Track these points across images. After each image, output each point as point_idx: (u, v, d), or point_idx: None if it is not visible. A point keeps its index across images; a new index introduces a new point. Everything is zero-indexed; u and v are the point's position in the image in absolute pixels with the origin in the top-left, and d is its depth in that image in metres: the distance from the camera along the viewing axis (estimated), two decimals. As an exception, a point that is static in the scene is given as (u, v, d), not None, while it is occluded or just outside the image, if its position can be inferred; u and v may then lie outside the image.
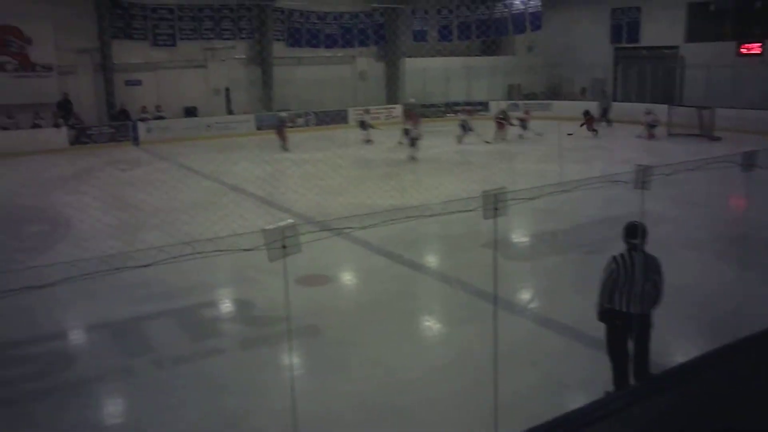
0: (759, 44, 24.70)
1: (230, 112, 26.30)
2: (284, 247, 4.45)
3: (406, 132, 19.84)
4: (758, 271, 8.54)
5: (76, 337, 7.57)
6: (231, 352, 6.83)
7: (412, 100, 23.62)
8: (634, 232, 5.32)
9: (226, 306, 8.42)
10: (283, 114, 23.16)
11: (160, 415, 5.59)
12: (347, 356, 6.60)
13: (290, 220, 4.64)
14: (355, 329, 7.24)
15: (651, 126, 21.64)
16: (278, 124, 22.02)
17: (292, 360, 5.78)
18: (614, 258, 5.36)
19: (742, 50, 25.23)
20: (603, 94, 27.11)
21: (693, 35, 27.23)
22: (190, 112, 25.62)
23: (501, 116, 22.74)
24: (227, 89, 26.37)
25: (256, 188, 14.75)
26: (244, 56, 26.81)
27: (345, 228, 9.18)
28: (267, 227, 4.28)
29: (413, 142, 18.84)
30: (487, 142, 21.35)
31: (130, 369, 6.45)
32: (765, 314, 6.58)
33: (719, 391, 4.21)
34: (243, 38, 26.35)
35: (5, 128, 21.52)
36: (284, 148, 21.13)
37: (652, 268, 5.35)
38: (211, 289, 8.69)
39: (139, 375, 6.33)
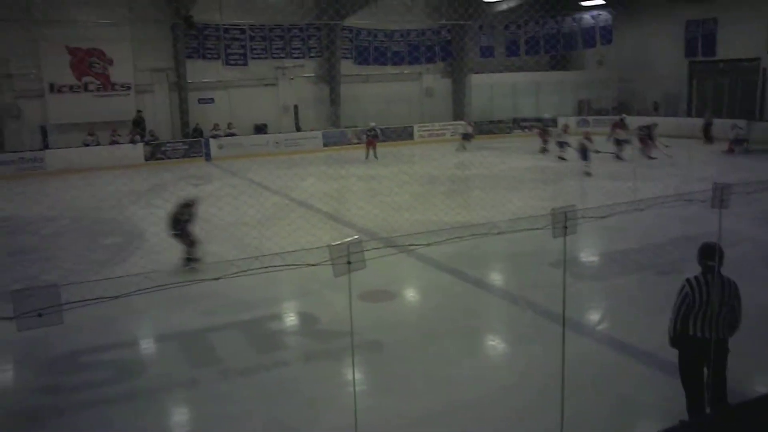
0: None
1: (298, 128, 26.87)
2: (349, 263, 4.48)
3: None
4: None
5: (147, 346, 7.82)
6: (295, 365, 6.90)
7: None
8: (711, 253, 5.07)
9: (291, 320, 8.53)
10: (373, 124, 23.91)
11: (223, 424, 5.69)
12: (410, 373, 6.56)
13: (356, 237, 4.67)
14: (418, 346, 7.19)
15: (738, 141, 20.80)
16: (370, 136, 23.14)
17: (355, 375, 5.78)
18: (688, 281, 5.13)
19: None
20: (706, 110, 25.98)
21: (775, 47, 26.02)
22: (260, 129, 26.32)
23: (644, 132, 21.08)
24: (296, 107, 26.97)
25: (323, 204, 14.95)
26: (312, 74, 27.39)
27: (410, 245, 9.16)
28: (333, 243, 4.31)
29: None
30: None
31: (196, 379, 6.60)
32: None
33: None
34: (312, 57, 26.94)
35: (87, 145, 22.65)
36: (374, 156, 22.51)
37: (729, 292, 5.09)
38: (277, 302, 8.84)
39: (204, 385, 6.47)
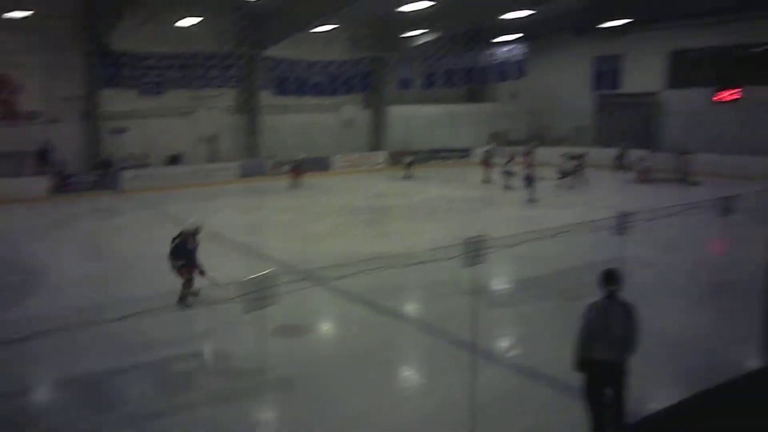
0: (737, 90, 25.23)
1: (215, 159, 26.38)
2: (261, 298, 4.39)
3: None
4: (733, 317, 8.50)
5: (47, 391, 7.37)
6: (204, 407, 6.64)
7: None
8: (611, 279, 5.30)
9: (201, 358, 8.24)
10: (302, 156, 24.44)
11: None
12: (325, 409, 6.45)
13: (267, 271, 4.60)
14: (333, 381, 7.09)
15: (644, 171, 21.98)
16: (294, 166, 23.72)
17: (266, 414, 5.63)
18: (591, 306, 5.32)
19: (720, 96, 25.77)
20: (622, 138, 27.22)
21: (673, 82, 27.87)
22: (175, 159, 25.67)
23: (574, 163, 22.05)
24: (213, 137, 26.51)
25: (237, 236, 14.68)
26: (231, 104, 27.05)
27: (325, 277, 9.10)
28: (244, 278, 4.22)
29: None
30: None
31: (101, 425, 6.26)
32: (738, 359, 6.53)
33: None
34: (231, 86, 26.60)
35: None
36: (298, 185, 22.99)
37: (628, 315, 5.31)
38: (186, 341, 8.49)
39: (109, 431, 6.14)
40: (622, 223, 5.81)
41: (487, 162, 23.70)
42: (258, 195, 21.31)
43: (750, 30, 24.14)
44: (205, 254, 9.51)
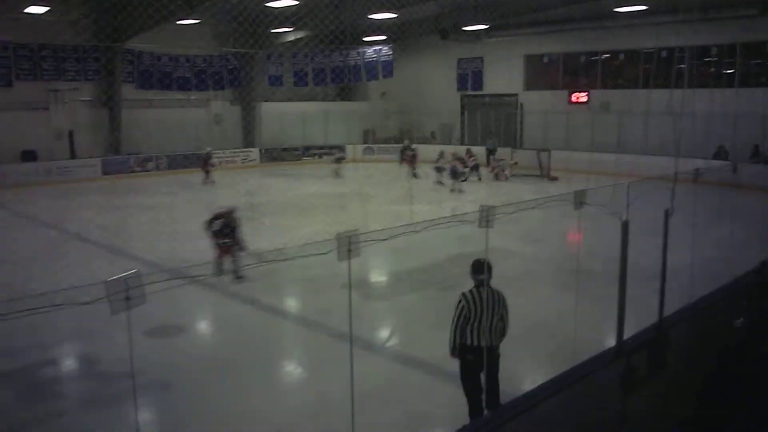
0: (585, 93, 27.38)
1: (74, 156, 24.70)
2: (128, 298, 4.21)
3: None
4: (591, 300, 9.25)
5: None
6: (72, 414, 6.28)
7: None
8: (481, 268, 5.58)
9: (67, 365, 7.75)
10: (208, 149, 23.54)
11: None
12: (201, 411, 6.30)
13: (134, 270, 4.40)
14: (210, 382, 6.93)
15: (509, 168, 23.19)
16: (204, 160, 22.76)
17: (140, 419, 5.42)
18: (463, 295, 5.58)
19: (572, 98, 27.84)
20: (490, 137, 28.33)
21: (530, 84, 29.70)
22: (29, 156, 23.76)
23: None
24: (71, 132, 24.80)
25: (102, 236, 13.90)
26: (90, 98, 25.41)
27: (198, 276, 8.87)
28: (109, 278, 4.03)
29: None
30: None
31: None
32: (597, 339, 7.12)
33: (562, 414, 4.48)
34: (89, 79, 25.00)
35: None
36: (210, 181, 22.09)
37: (498, 303, 5.63)
38: (49, 347, 7.95)
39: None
40: (487, 217, 6.13)
41: (406, 158, 24.46)
42: (122, 193, 20.26)
43: (595, 39, 26.27)
44: (68, 256, 8.96)
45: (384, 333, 8.57)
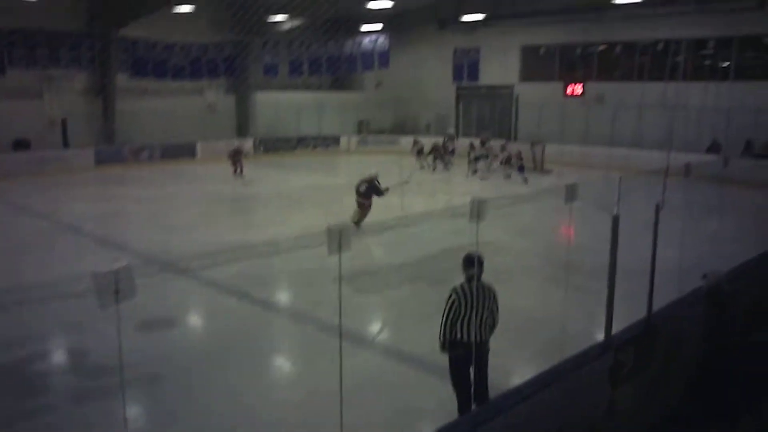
0: (581, 85, 27.34)
1: (67, 145, 24.57)
2: (117, 292, 4.20)
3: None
4: (582, 294, 9.29)
5: None
6: (62, 409, 6.28)
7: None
8: (472, 263, 5.57)
9: (57, 358, 7.74)
10: (237, 142, 22.78)
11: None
12: (192, 404, 6.32)
13: (124, 262, 4.39)
14: (201, 375, 6.95)
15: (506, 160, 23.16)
16: (233, 152, 21.47)
17: (130, 412, 5.43)
18: (454, 289, 5.58)
19: (568, 91, 27.79)
20: (483, 127, 28.37)
21: (526, 76, 29.64)
22: (22, 145, 23.62)
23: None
24: (64, 121, 24.66)
25: (96, 227, 13.87)
26: (84, 86, 25.25)
27: (190, 268, 8.86)
28: (98, 270, 4.01)
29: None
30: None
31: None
32: (586, 333, 7.17)
33: (550, 408, 4.52)
34: (83, 67, 24.83)
35: None
36: (240, 175, 20.94)
37: (489, 297, 5.64)
38: (38, 340, 7.92)
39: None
40: (478, 210, 6.12)
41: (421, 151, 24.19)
42: (116, 183, 20.21)
43: (592, 30, 26.26)
44: (60, 248, 8.94)
45: (375, 327, 8.60)
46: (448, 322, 5.49)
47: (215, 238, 12.56)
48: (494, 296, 5.68)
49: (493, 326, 5.70)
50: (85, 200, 17.35)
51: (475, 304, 5.45)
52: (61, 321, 8.35)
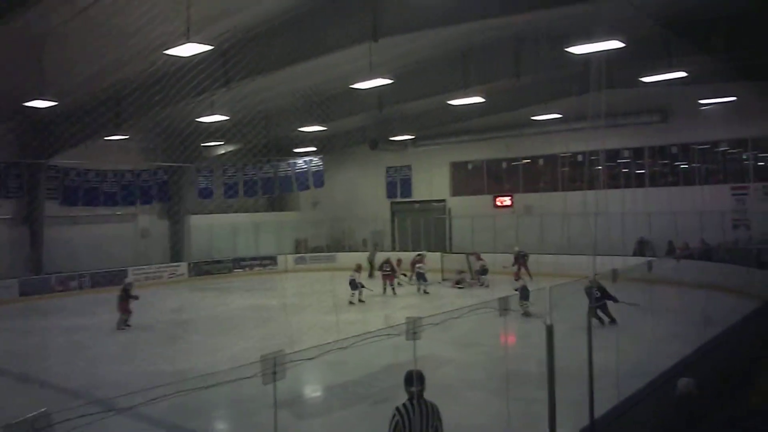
0: (509, 197, 28.58)
1: (-10, 276, 23.47)
2: (37, 440, 3.91)
3: None
4: (525, 403, 9.21)
5: None
6: None
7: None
8: (411, 380, 5.50)
9: None
10: (129, 280, 18.85)
11: None
12: None
13: (43, 410, 4.09)
14: None
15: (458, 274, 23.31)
16: (123, 295, 17.18)
17: None
18: (398, 409, 5.44)
19: (497, 202, 28.97)
20: (373, 247, 28.96)
21: (457, 190, 30.81)
22: (-61, 278, 22.48)
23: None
24: (-13, 252, 23.71)
25: (15, 364, 13.03)
26: (9, 216, 24.55)
27: (115, 404, 8.33)
28: (10, 423, 3.73)
29: None
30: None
31: None
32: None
33: None
34: (9, 197, 24.28)
35: None
36: (125, 323, 16.90)
37: (433, 414, 5.53)
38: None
39: None
40: (413, 329, 6.17)
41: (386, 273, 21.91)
42: (41, 315, 19.25)
43: (515, 145, 27.85)
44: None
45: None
46: None
47: (146, 368, 11.98)
48: (437, 413, 5.56)
49: None
50: (5, 335, 16.39)
51: (418, 423, 5.33)
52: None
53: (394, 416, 5.40)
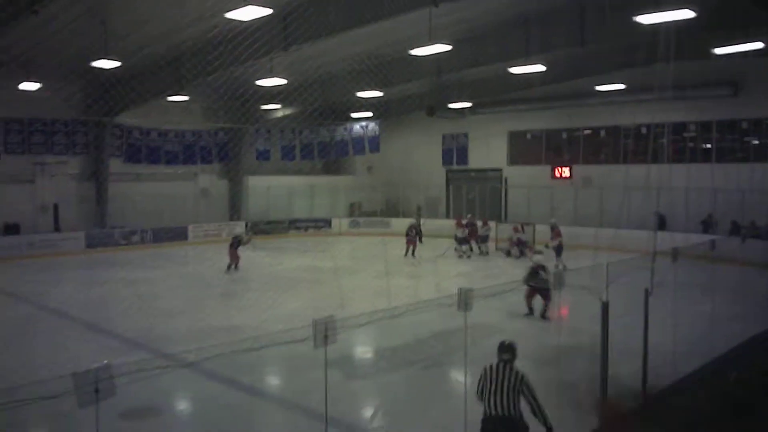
0: (568, 168, 27.96)
1: (57, 229, 24.58)
2: (97, 391, 4.11)
3: None
4: (576, 376, 9.14)
5: None
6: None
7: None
8: (503, 349, 5.89)
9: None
10: (239, 231, 21.38)
11: None
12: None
13: (105, 362, 4.30)
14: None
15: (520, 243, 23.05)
16: (234, 243, 19.56)
17: None
18: (484, 367, 5.84)
19: (555, 173, 28.40)
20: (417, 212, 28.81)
21: (514, 159, 30.32)
22: (12, 229, 23.64)
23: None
24: (56, 205, 24.78)
25: (82, 312, 13.68)
26: (77, 171, 25.54)
27: (176, 356, 8.68)
28: (78, 371, 3.93)
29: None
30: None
31: None
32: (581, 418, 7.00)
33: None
34: (77, 153, 25.22)
35: None
36: (236, 267, 19.24)
37: (516, 381, 5.72)
38: None
39: None
40: (465, 300, 6.24)
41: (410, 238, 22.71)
42: (106, 267, 20.08)
43: (576, 116, 27.13)
44: (45, 335, 8.78)
45: (367, 413, 8.38)
46: (478, 394, 5.80)
47: (203, 323, 12.39)
48: (524, 382, 5.72)
49: (535, 411, 5.68)
50: (73, 284, 17.19)
51: (497, 383, 5.67)
52: (40, 414, 8.10)
53: (482, 373, 5.83)
